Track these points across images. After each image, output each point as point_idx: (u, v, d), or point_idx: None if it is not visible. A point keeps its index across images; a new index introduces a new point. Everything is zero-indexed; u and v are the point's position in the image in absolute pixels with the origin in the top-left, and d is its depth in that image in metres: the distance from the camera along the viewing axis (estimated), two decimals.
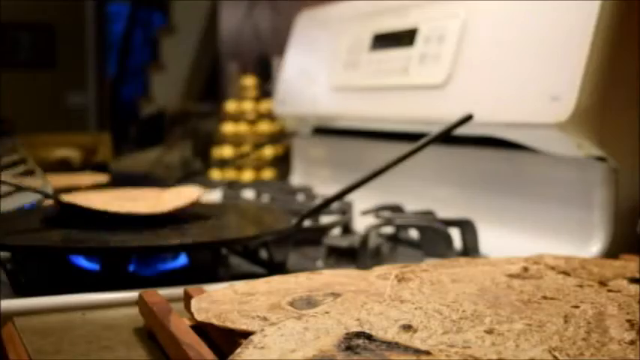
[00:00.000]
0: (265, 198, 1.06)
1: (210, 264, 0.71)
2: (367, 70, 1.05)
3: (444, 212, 0.84)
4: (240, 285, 0.51)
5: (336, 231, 0.88)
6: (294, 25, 1.32)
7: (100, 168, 1.58)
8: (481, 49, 0.84)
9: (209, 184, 1.18)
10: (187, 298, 0.51)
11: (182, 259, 0.70)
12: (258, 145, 1.39)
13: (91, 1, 5.50)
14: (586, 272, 0.54)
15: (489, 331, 0.39)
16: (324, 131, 1.22)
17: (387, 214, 0.82)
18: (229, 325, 0.42)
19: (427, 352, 0.36)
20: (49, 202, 0.78)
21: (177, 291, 0.55)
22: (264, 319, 0.43)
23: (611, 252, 0.71)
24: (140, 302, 0.53)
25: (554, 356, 0.36)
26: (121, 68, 5.38)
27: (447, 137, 0.77)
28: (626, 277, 0.52)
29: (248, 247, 0.75)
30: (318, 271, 0.55)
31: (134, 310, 0.54)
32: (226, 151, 1.49)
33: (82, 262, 0.68)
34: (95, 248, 0.66)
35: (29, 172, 0.77)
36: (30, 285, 0.65)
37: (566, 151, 0.74)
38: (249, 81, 1.55)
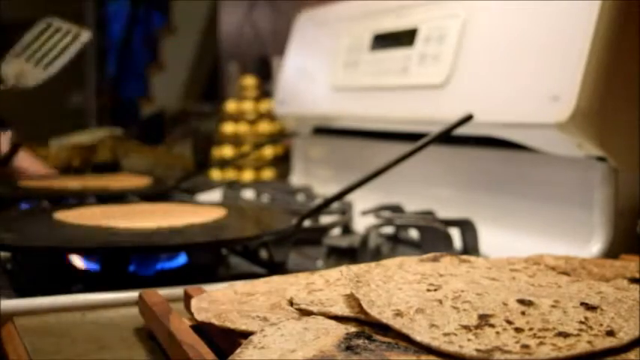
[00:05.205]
0: (265, 198, 1.06)
1: (210, 264, 0.71)
2: (367, 70, 1.05)
3: (444, 212, 0.83)
4: (240, 285, 0.51)
5: (336, 231, 0.88)
6: (294, 25, 1.32)
7: (100, 168, 1.58)
8: (481, 49, 0.84)
9: (209, 184, 1.18)
10: (187, 298, 0.51)
11: (182, 259, 0.70)
12: (258, 145, 1.39)
13: (90, 1, 5.50)
14: (586, 272, 0.54)
15: None
16: (324, 131, 1.22)
17: (387, 214, 0.82)
18: (229, 325, 0.42)
19: (427, 352, 0.36)
20: None
21: (177, 291, 0.55)
22: (264, 319, 0.43)
23: (611, 252, 0.71)
24: (140, 302, 0.52)
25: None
26: (120, 68, 5.37)
27: (447, 137, 0.77)
28: (626, 277, 0.52)
29: (248, 247, 0.75)
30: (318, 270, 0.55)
31: (134, 310, 0.54)
32: (226, 151, 1.49)
33: (82, 262, 0.68)
34: (95, 248, 0.65)
35: None
36: (30, 285, 0.65)
37: (566, 151, 0.74)
38: (249, 81, 1.54)
